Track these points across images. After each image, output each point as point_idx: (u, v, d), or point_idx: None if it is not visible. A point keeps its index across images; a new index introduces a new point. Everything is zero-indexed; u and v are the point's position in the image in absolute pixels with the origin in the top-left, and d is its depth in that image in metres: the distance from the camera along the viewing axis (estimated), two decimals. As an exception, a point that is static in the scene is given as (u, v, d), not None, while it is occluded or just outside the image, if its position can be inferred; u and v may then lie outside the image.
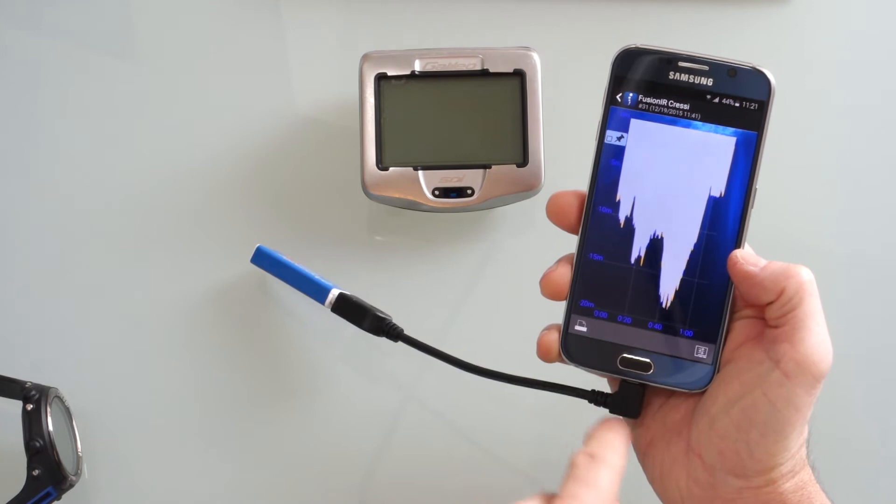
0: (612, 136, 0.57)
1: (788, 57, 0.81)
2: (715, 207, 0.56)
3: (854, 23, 0.82)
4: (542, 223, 0.60)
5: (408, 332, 0.73)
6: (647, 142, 0.57)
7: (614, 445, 0.54)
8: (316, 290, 0.74)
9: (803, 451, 0.57)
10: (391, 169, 0.75)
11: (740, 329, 0.57)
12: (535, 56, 0.76)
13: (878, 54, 0.82)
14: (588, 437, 0.55)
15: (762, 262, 0.56)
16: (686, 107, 0.56)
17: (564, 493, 0.52)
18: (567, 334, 0.58)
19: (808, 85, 0.80)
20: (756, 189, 0.56)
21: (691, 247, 0.57)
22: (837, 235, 0.79)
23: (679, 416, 0.58)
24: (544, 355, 0.58)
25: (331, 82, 0.80)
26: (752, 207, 0.56)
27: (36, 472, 0.69)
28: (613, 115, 0.57)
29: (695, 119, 0.56)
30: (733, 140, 0.56)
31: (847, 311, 0.75)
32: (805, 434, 0.56)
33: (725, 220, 0.56)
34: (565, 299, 0.58)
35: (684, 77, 0.56)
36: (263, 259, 0.76)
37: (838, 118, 0.81)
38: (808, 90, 0.80)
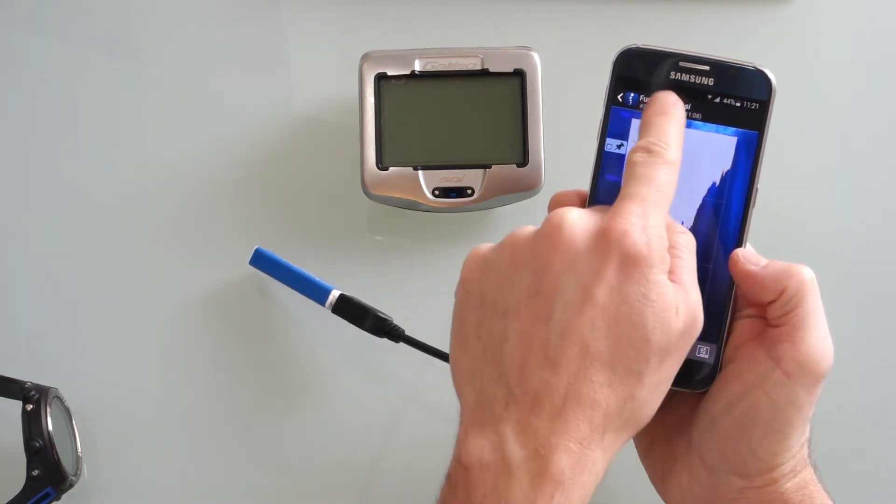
0: (613, 136, 0.57)
1: (789, 57, 0.81)
2: (716, 207, 0.56)
3: (855, 23, 0.82)
4: (543, 223, 0.60)
5: (408, 332, 0.73)
6: None
7: (671, 136, 0.54)
8: (316, 292, 0.74)
9: (805, 450, 0.56)
10: (391, 169, 0.75)
11: (742, 329, 0.57)
12: (535, 56, 0.76)
13: (879, 54, 0.82)
14: (644, 126, 0.55)
15: (763, 261, 0.56)
16: (687, 106, 0.56)
17: (625, 192, 0.52)
18: None
19: (809, 85, 0.80)
20: (757, 189, 0.56)
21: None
22: (839, 235, 0.79)
23: (680, 416, 0.58)
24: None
25: (331, 82, 0.80)
26: (753, 207, 0.56)
27: (35, 473, 0.69)
28: (615, 115, 0.57)
29: (696, 119, 0.56)
30: (734, 140, 0.56)
31: (848, 311, 0.75)
32: (807, 434, 0.56)
33: (727, 219, 0.56)
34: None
35: (685, 77, 0.56)
36: (262, 261, 0.75)
37: (839, 118, 0.81)
38: (809, 90, 0.80)
